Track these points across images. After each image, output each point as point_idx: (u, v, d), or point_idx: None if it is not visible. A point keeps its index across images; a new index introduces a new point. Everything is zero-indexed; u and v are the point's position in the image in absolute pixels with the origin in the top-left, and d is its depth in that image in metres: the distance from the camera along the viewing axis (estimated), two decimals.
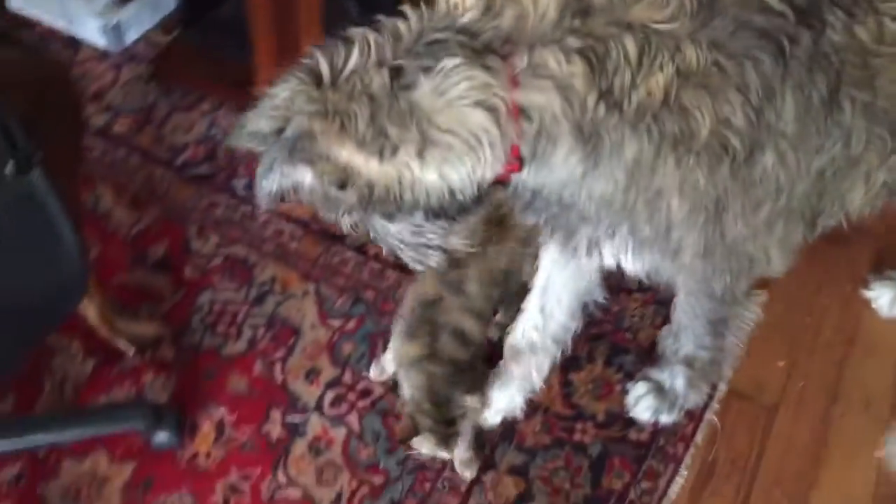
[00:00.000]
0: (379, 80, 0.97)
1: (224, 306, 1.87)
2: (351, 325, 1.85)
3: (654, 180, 1.10)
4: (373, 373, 1.72)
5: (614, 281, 1.87)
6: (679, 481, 1.62)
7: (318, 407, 1.72)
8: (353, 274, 1.93)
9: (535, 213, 1.21)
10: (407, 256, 1.19)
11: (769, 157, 1.13)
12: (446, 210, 1.07)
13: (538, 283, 1.59)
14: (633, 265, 1.26)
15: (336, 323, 1.85)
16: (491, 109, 0.99)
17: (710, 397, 1.71)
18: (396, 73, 0.97)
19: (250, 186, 2.09)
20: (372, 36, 1.00)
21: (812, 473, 1.63)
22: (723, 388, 1.74)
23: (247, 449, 1.66)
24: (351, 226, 1.13)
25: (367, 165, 0.99)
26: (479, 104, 0.99)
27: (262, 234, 2.01)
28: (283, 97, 1.00)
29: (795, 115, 1.12)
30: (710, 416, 1.70)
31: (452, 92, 0.97)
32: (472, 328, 1.63)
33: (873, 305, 1.84)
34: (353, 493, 1.61)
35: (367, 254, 1.96)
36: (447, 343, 1.60)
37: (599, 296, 1.61)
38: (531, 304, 1.61)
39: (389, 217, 1.09)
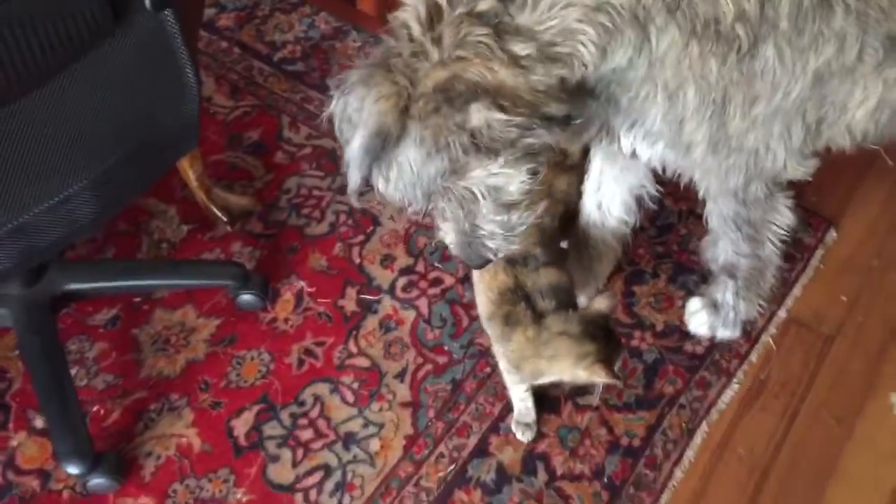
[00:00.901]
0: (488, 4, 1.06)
1: (310, 191, 1.98)
2: (427, 219, 1.93)
3: (680, 70, 1.18)
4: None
5: (685, 204, 1.94)
6: (729, 393, 1.68)
7: (391, 290, 1.82)
8: None
9: (586, 109, 1.27)
10: (464, 251, 1.26)
11: (769, 50, 1.19)
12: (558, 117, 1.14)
13: (590, 184, 1.65)
14: (649, 154, 1.34)
15: (413, 217, 1.94)
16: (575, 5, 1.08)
17: (769, 321, 1.76)
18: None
19: None
20: None
21: (860, 402, 1.68)
22: (782, 314, 1.79)
23: (322, 319, 1.77)
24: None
25: (514, 79, 1.07)
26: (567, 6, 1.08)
27: None
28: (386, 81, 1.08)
29: (789, 13, 1.17)
30: (766, 338, 1.75)
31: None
32: (553, 276, 1.52)
33: None
34: (417, 368, 1.71)
35: None
36: (545, 302, 1.48)
37: (652, 188, 1.67)
38: (587, 203, 1.68)
39: (525, 130, 1.11)
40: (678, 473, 1.58)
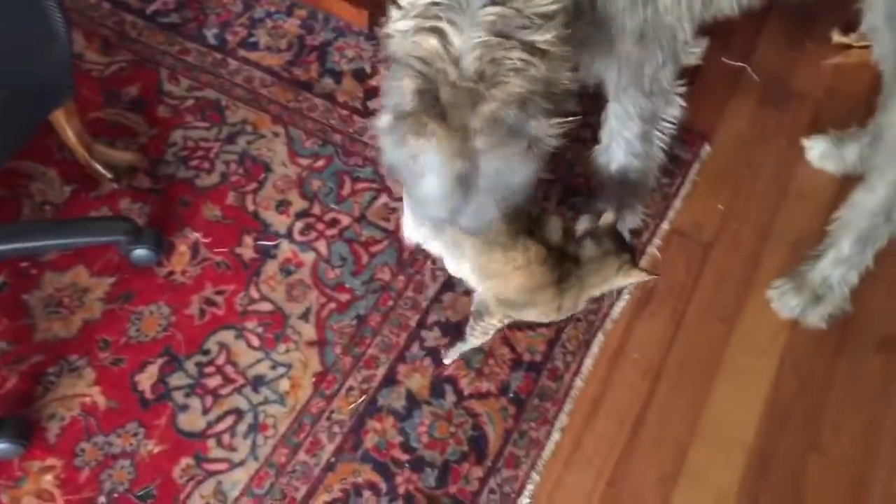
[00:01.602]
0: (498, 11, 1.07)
1: (197, 143, 1.95)
2: (320, 163, 1.94)
3: None
4: None
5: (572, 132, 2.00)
6: (621, 304, 1.77)
7: (289, 234, 1.82)
8: (321, 119, 2.02)
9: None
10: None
11: None
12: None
13: None
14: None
15: (305, 161, 1.94)
16: None
17: (653, 233, 1.86)
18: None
19: (221, 35, 2.15)
20: None
21: (740, 302, 1.80)
22: (665, 226, 1.88)
23: (221, 268, 1.76)
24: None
25: (550, 72, 1.10)
26: None
27: (233, 80, 2.07)
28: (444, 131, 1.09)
29: None
30: (652, 250, 1.85)
31: None
32: (554, 221, 1.49)
33: (807, 156, 1.99)
34: (321, 308, 1.72)
35: (335, 101, 2.04)
36: (573, 246, 1.48)
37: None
38: None
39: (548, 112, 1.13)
40: (578, 382, 1.67)
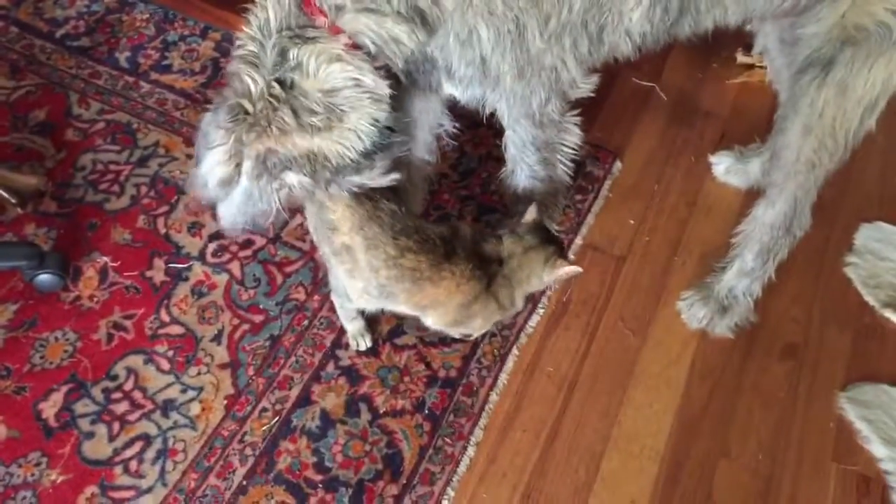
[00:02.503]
0: (277, 89, 1.25)
1: (107, 166, 1.92)
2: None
3: (465, 18, 1.29)
4: None
5: (484, 149, 2.03)
6: (536, 318, 1.79)
7: (202, 256, 1.80)
8: None
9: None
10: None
11: None
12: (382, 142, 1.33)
13: None
14: (464, 97, 1.46)
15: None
16: (338, 59, 1.25)
17: (568, 248, 1.89)
18: (280, 81, 1.26)
19: (134, 59, 2.13)
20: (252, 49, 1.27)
21: (651, 312, 1.83)
22: (579, 241, 1.92)
23: (130, 292, 1.73)
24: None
25: (313, 142, 1.28)
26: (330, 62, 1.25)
27: (145, 103, 2.05)
28: (225, 145, 1.28)
29: None
30: None
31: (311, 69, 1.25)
32: (467, 228, 1.54)
33: (713, 171, 2.05)
34: (234, 329, 1.70)
35: None
36: (498, 246, 1.51)
37: (449, 126, 1.77)
38: None
39: (357, 171, 1.32)
40: (493, 397, 1.67)
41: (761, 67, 2.27)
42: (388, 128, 1.34)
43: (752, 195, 2.02)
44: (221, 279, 1.77)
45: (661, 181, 2.06)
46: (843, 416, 1.69)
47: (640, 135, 2.15)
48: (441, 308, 1.48)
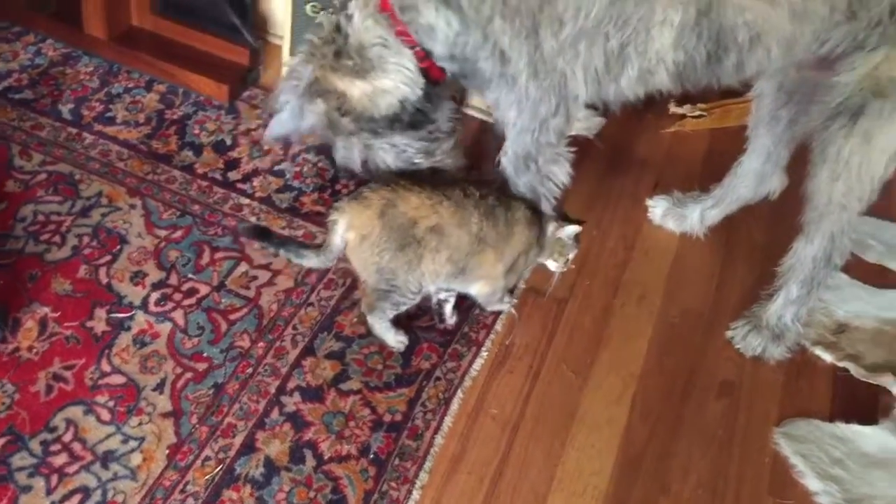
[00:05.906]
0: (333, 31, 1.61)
1: (48, 217, 1.91)
2: (178, 234, 1.93)
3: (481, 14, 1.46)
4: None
5: None
6: (480, 361, 1.82)
7: (144, 305, 1.79)
8: (180, 190, 2.02)
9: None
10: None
11: None
12: (413, 119, 1.67)
13: None
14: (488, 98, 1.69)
15: (163, 233, 1.93)
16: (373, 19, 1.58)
17: (511, 293, 1.93)
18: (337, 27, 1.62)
19: (77, 110, 2.14)
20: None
21: (593, 353, 1.87)
22: (521, 285, 1.96)
23: (71, 343, 1.71)
24: (342, 157, 1.76)
25: (343, 82, 1.61)
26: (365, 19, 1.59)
27: (88, 154, 2.05)
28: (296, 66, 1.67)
29: None
30: (509, 308, 1.91)
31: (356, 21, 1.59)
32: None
33: (650, 214, 2.12)
34: (177, 378, 1.69)
35: (194, 173, 2.05)
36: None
37: None
38: None
39: (374, 133, 1.68)
40: (439, 440, 1.68)
41: (693, 117, 2.38)
42: (419, 110, 1.66)
43: (688, 238, 2.10)
44: (164, 328, 1.76)
45: (599, 226, 2.12)
46: (778, 451, 1.73)
47: (580, 182, 2.19)
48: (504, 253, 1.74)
